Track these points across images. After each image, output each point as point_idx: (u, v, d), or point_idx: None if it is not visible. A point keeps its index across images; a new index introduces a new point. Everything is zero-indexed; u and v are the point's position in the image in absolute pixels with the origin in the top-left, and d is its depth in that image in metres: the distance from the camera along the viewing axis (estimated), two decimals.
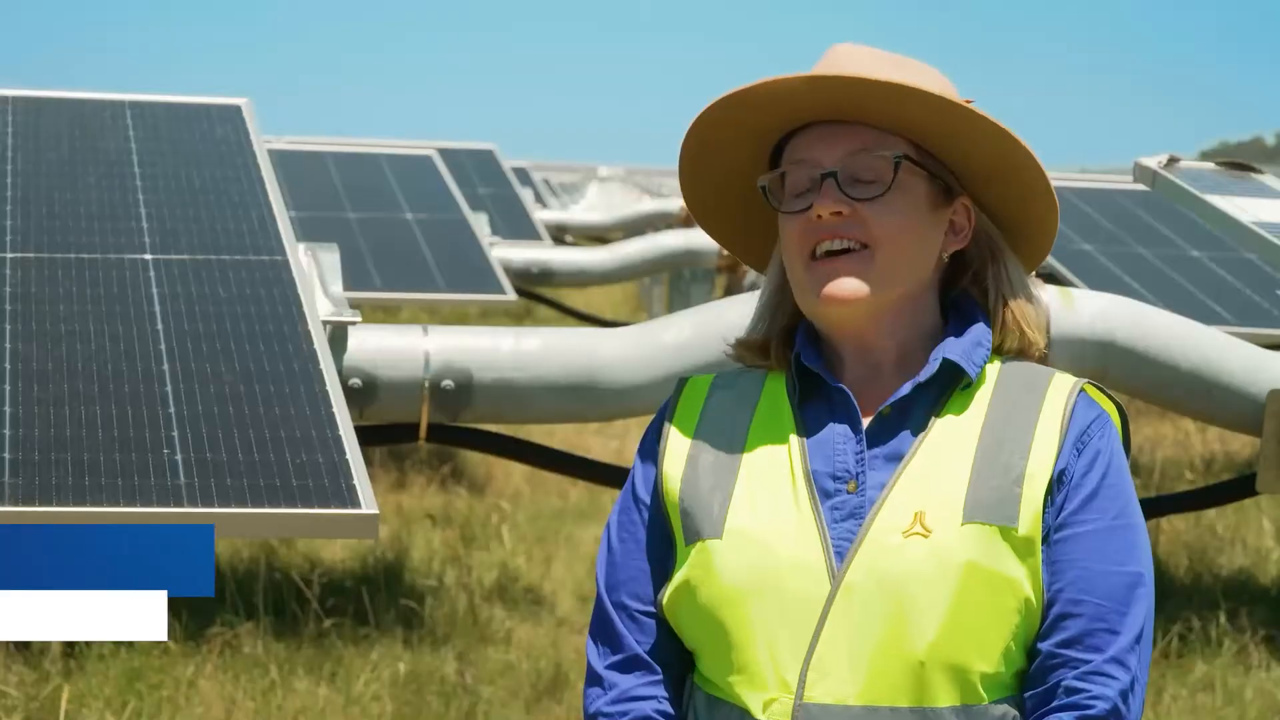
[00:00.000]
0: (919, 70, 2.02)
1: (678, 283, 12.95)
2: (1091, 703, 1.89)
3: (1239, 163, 4.81)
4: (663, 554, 2.04)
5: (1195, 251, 8.36)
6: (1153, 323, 4.31)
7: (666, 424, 2.07)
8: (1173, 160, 4.58)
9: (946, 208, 2.03)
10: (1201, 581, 7.17)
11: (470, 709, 5.45)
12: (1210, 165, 4.77)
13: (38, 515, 2.85)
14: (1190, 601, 6.79)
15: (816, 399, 2.02)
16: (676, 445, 2.05)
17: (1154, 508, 5.32)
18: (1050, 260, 7.98)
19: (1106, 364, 4.26)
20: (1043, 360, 2.08)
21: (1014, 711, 1.93)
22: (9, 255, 3.70)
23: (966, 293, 2.07)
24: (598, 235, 17.76)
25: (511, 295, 8.53)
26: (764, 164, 2.08)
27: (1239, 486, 4.69)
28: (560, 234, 16.22)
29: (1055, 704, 1.91)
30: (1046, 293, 4.21)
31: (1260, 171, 4.80)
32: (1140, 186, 5.05)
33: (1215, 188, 4.52)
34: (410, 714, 5.42)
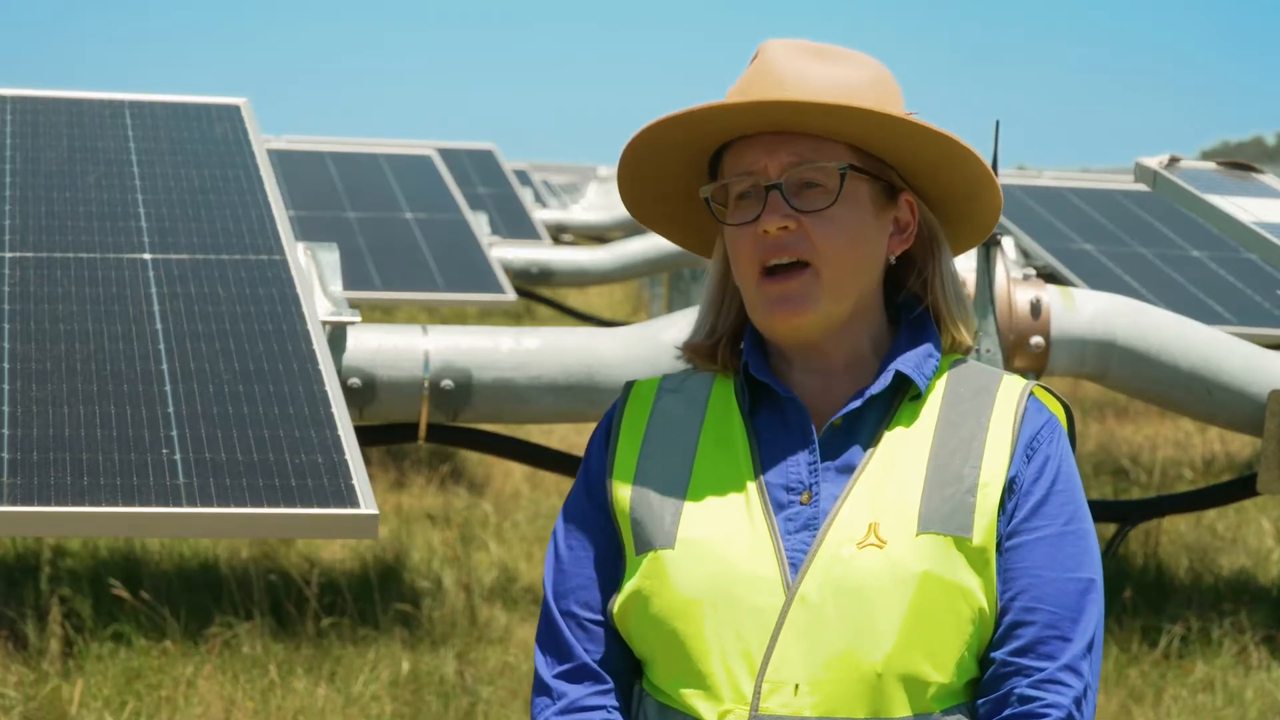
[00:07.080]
0: (855, 68, 1.99)
1: (677, 283, 12.95)
2: (1046, 710, 1.89)
3: (1240, 163, 4.80)
4: (612, 562, 2.01)
5: (1195, 251, 8.36)
6: (1153, 323, 4.31)
7: (614, 429, 2.05)
8: (1173, 160, 4.58)
9: (890, 207, 2.02)
10: (1202, 582, 7.17)
11: (469, 709, 5.45)
12: (1211, 165, 4.77)
13: (37, 515, 2.85)
14: (1190, 602, 6.79)
15: (767, 406, 2.00)
16: (625, 452, 2.02)
17: (1154, 508, 5.31)
18: (1050, 260, 7.98)
19: (1107, 364, 4.26)
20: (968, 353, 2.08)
21: None
22: (8, 255, 3.70)
23: (915, 296, 2.05)
24: (597, 235, 17.75)
25: (511, 295, 8.52)
26: (702, 170, 2.06)
27: (1239, 487, 4.69)
28: (560, 234, 16.21)
29: (1009, 712, 1.90)
30: (1047, 292, 4.21)
31: (1261, 171, 4.80)
32: (1141, 186, 5.04)
33: (1216, 188, 4.51)
34: (409, 714, 5.41)
